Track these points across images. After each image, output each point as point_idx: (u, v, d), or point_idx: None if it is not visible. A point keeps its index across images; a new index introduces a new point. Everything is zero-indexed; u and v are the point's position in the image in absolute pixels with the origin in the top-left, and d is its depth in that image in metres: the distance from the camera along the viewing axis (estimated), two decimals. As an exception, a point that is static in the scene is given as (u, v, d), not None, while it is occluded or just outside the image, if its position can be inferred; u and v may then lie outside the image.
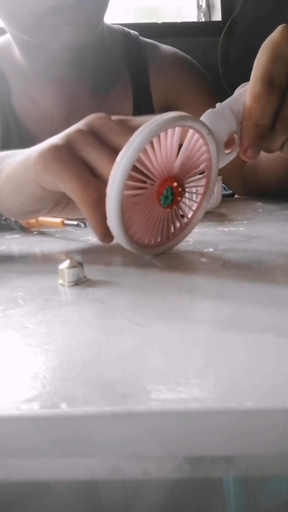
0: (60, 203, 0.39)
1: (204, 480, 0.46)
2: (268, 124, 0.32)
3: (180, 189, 0.33)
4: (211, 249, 0.36)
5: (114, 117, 0.35)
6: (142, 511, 0.48)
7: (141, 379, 0.18)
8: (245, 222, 0.48)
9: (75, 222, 0.42)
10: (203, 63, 0.77)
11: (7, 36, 0.70)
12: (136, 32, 0.76)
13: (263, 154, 0.34)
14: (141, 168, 0.30)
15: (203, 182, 0.35)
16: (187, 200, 0.35)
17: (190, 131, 0.31)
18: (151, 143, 0.29)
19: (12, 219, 0.47)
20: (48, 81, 0.68)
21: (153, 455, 0.16)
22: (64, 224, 0.43)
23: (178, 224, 0.36)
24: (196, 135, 0.31)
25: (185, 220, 0.36)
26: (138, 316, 0.23)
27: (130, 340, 0.21)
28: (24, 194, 0.34)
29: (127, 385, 0.17)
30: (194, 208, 0.36)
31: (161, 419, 0.16)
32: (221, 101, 0.33)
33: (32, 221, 0.46)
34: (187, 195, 0.34)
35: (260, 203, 0.61)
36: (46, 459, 0.17)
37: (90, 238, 0.43)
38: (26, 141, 0.69)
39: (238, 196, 0.81)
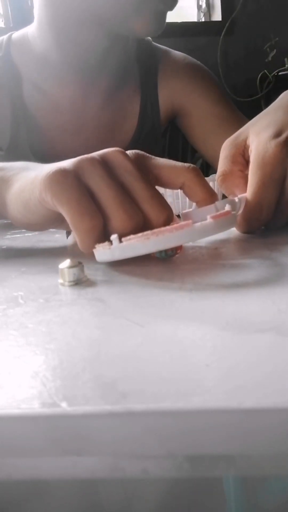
0: (65, 221, 0.39)
1: (204, 480, 0.46)
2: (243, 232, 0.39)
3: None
4: (211, 249, 0.36)
5: (131, 152, 0.35)
6: (142, 510, 0.48)
7: (141, 378, 0.18)
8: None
9: None
10: (203, 63, 0.77)
11: (25, 30, 0.72)
12: (149, 37, 0.76)
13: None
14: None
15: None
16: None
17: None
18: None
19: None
20: (69, 72, 0.69)
21: (153, 454, 0.16)
22: None
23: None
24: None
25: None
26: (138, 316, 0.23)
27: (130, 339, 0.21)
28: (28, 209, 0.35)
29: (127, 384, 0.17)
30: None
31: (161, 418, 0.16)
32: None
33: None
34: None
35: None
36: (46, 458, 0.17)
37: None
38: (33, 134, 0.70)
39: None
